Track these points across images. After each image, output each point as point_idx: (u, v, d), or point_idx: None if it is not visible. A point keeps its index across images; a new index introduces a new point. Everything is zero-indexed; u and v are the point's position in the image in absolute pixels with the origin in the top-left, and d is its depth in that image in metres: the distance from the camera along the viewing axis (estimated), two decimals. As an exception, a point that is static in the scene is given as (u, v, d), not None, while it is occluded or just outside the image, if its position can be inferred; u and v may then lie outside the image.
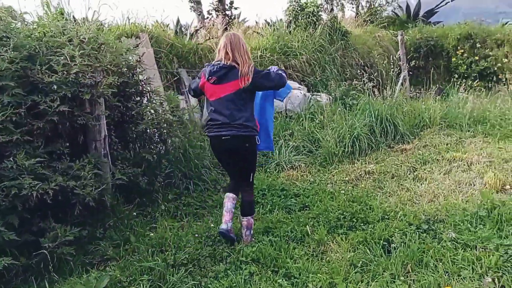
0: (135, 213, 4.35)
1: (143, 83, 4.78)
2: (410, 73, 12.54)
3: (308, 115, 7.44)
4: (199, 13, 10.25)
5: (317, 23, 10.56)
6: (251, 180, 3.80)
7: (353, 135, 6.19)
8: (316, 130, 6.53)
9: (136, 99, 4.80)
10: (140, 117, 4.69)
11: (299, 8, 10.89)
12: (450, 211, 3.99)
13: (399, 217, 3.92)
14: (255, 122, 3.68)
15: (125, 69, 4.58)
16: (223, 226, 3.67)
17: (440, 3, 14.98)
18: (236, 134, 3.53)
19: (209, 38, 8.81)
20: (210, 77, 3.58)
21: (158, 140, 5.08)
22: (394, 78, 8.13)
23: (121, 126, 4.66)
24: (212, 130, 3.63)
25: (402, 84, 9.87)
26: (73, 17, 6.53)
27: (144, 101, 4.93)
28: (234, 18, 10.74)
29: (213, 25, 10.14)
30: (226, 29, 10.28)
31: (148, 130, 4.82)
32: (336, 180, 5.27)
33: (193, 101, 7.58)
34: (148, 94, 4.88)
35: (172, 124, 5.24)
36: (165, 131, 5.11)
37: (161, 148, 5.16)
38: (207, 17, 10.31)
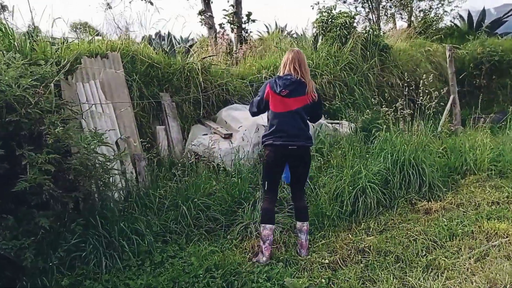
0: (3, 308, 3.09)
1: (39, 121, 3.52)
2: (467, 94, 10.57)
3: (314, 152, 5.83)
4: (210, 27, 9.00)
5: (348, 36, 8.91)
6: (304, 187, 4.06)
7: (356, 188, 4.56)
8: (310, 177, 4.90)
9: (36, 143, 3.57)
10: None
11: (330, 20, 9.30)
12: None
13: None
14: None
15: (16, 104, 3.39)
16: (266, 260, 3.66)
17: (510, 11, 12.66)
18: (304, 145, 3.77)
19: (211, 56, 7.50)
20: (283, 90, 3.69)
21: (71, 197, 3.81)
22: (436, 104, 6.28)
23: (5, 183, 3.43)
24: (279, 140, 3.71)
25: (449, 110, 7.99)
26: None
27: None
28: (251, 32, 9.38)
29: (225, 40, 8.85)
30: (241, 43, 8.95)
31: (45, 186, 3.55)
32: (312, 261, 3.69)
33: (175, 132, 6.30)
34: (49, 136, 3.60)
35: (102, 175, 4.00)
36: (81, 183, 3.84)
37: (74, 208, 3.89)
38: (219, 31, 9.04)
